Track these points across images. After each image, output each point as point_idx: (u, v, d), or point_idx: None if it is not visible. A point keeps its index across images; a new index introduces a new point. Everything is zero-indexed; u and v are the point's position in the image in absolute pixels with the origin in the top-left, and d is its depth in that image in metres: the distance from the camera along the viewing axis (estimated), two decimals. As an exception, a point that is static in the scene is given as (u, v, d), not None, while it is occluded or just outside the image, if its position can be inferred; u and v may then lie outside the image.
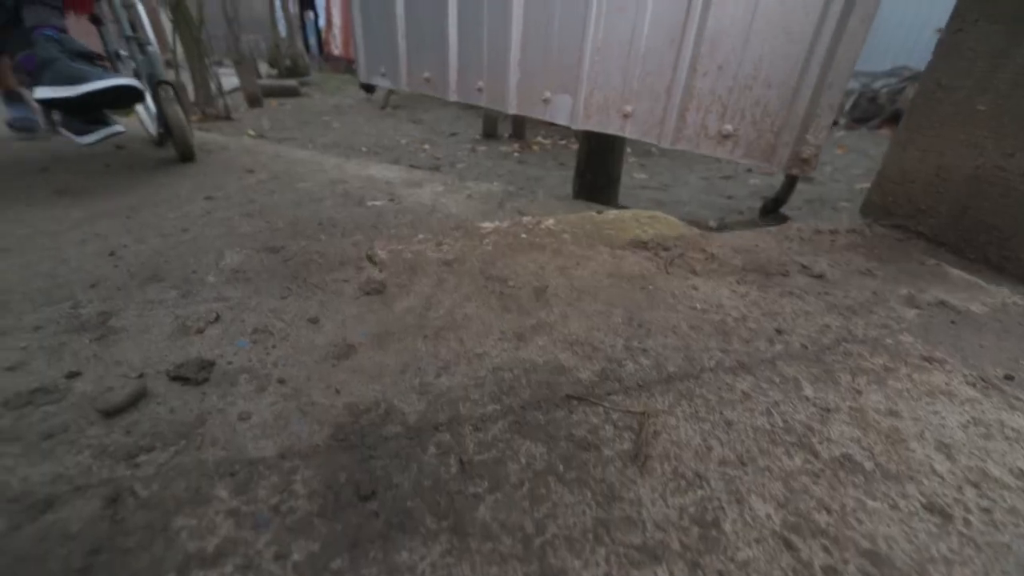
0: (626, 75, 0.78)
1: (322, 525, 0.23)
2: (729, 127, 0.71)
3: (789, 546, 0.23)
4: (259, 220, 0.80)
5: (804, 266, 0.47)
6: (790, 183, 1.23)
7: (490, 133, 2.44)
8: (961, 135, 0.50)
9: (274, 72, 4.16)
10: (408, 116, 3.13)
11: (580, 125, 0.85)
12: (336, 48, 4.40)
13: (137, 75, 1.17)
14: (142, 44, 1.17)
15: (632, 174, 2.07)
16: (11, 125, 1.42)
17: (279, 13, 4.15)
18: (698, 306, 0.41)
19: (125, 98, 1.05)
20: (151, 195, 1.06)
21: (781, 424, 0.29)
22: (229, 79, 3.03)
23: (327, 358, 0.33)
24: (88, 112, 1.11)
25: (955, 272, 0.49)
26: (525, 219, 0.76)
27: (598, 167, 1.10)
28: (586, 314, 0.39)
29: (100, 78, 0.98)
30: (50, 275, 0.57)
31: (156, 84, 1.13)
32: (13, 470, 0.25)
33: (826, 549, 0.23)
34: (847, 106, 3.14)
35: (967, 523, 0.24)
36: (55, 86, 0.98)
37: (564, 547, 0.22)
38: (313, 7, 4.24)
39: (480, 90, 0.96)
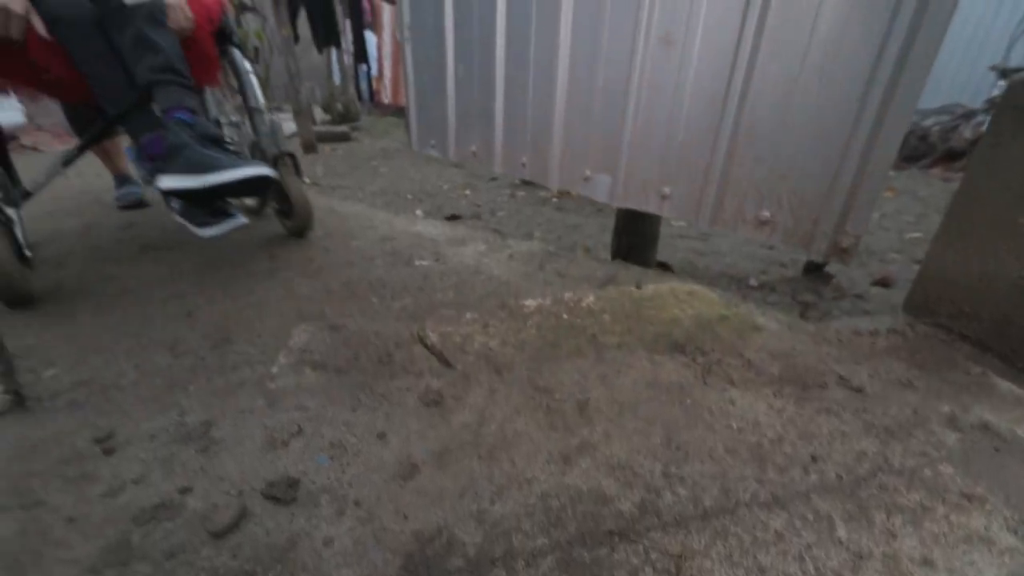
0: (664, 159, 0.81)
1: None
2: (766, 213, 0.73)
3: None
4: (316, 281, 0.88)
5: (842, 377, 0.49)
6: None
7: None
8: (1003, 245, 0.51)
9: (327, 117, 4.44)
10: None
11: (619, 203, 0.89)
12: (386, 97, 4.71)
13: (256, 147, 1.13)
14: (261, 113, 1.12)
15: (671, 222, 2.08)
16: (119, 201, 1.47)
17: (335, 65, 4.47)
18: (734, 424, 0.43)
19: (257, 187, 0.95)
20: (220, 254, 1.17)
21: (813, 571, 0.31)
22: (287, 124, 3.27)
23: (395, 477, 0.37)
24: (212, 202, 1.02)
25: (1003, 384, 0.49)
26: (566, 295, 0.80)
27: (636, 229, 1.13)
28: (627, 433, 0.42)
29: (233, 167, 0.89)
30: (136, 335, 0.66)
31: (278, 156, 1.08)
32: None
33: None
34: (897, 142, 3.04)
35: None
36: (183, 175, 0.90)
37: None
38: (366, 60, 4.55)
39: (524, 165, 1.01)
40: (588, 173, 0.91)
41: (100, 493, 0.36)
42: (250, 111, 1.09)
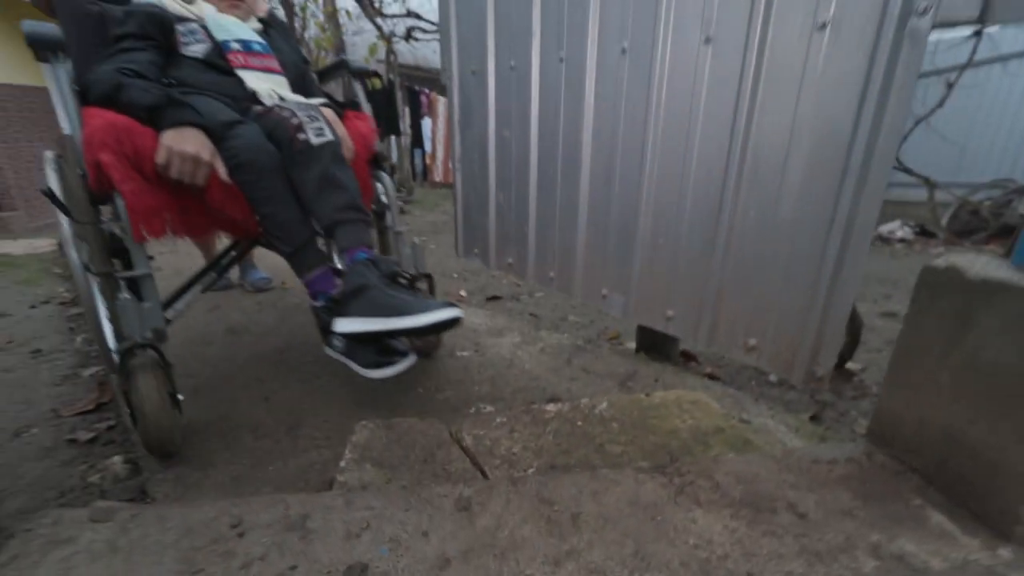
0: (668, 286, 0.97)
1: None
2: (753, 341, 0.86)
3: None
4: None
5: (791, 503, 0.60)
6: (853, 340, 1.29)
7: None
8: (933, 397, 0.62)
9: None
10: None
11: (632, 320, 1.04)
12: (437, 176, 5.30)
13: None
14: (401, 235, 1.10)
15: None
16: (253, 286, 1.71)
17: (394, 147, 5.06)
18: (691, 541, 0.55)
19: (445, 329, 0.82)
20: (293, 336, 1.41)
21: (728, 668, 0.43)
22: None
23: (433, 568, 0.52)
24: (385, 341, 0.89)
25: (936, 517, 0.58)
26: (583, 402, 0.95)
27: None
28: (606, 542, 0.55)
29: (423, 310, 0.77)
30: (226, 417, 0.87)
31: (417, 277, 1.03)
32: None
33: None
34: (944, 219, 3.01)
35: None
36: (368, 318, 0.81)
37: None
38: (422, 145, 5.16)
39: (552, 279, 1.20)
40: (605, 291, 1.08)
41: (239, 565, 0.53)
42: (393, 234, 1.09)
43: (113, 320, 0.81)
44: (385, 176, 1.10)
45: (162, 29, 0.93)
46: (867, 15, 0.65)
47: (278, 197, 0.86)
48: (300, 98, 1.02)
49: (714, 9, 0.80)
